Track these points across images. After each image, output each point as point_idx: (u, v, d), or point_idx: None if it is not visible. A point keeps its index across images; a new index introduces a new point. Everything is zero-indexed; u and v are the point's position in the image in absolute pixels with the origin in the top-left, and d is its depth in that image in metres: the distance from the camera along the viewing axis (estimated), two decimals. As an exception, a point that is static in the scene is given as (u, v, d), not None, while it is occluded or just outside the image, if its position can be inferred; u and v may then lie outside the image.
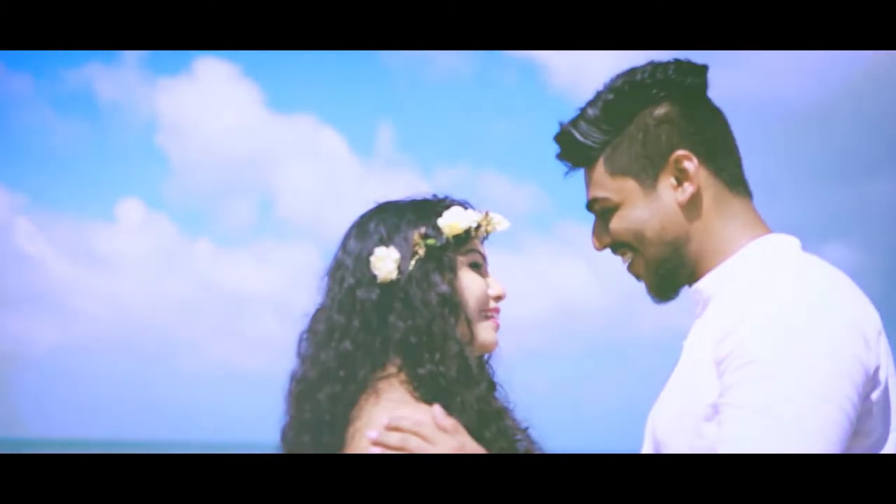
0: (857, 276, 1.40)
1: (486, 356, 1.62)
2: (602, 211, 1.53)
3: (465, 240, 1.59)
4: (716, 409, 1.33)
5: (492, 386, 1.62)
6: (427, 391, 1.50)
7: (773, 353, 1.27)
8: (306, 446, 1.53)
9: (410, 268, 1.54)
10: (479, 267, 1.61)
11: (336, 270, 1.60)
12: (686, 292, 1.53)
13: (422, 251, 1.55)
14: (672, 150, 1.47)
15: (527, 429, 1.60)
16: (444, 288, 1.54)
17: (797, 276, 1.36)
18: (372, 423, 1.48)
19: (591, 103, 1.51)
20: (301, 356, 1.60)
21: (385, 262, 1.53)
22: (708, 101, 1.52)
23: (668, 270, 1.50)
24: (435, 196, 1.64)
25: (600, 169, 1.51)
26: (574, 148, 1.53)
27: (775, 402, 1.25)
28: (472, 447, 1.44)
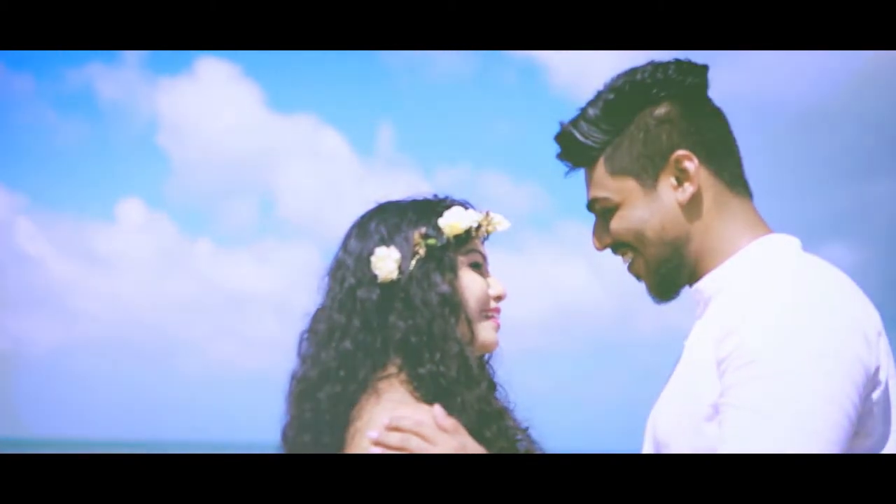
0: (857, 276, 1.40)
1: (486, 356, 1.62)
2: (602, 211, 1.53)
3: (465, 240, 1.59)
4: (716, 409, 1.33)
5: (492, 386, 1.62)
6: (427, 391, 1.50)
7: (773, 354, 1.27)
8: (307, 446, 1.53)
9: (411, 268, 1.54)
10: (479, 267, 1.61)
11: (337, 270, 1.60)
12: (686, 292, 1.53)
13: (422, 251, 1.56)
14: (672, 149, 1.47)
15: (527, 429, 1.60)
16: (444, 288, 1.54)
17: (798, 277, 1.36)
18: (372, 422, 1.48)
19: (591, 103, 1.51)
20: (302, 356, 1.60)
21: (386, 261, 1.53)
22: (708, 101, 1.52)
23: (668, 270, 1.50)
24: (435, 196, 1.64)
25: (601, 169, 1.51)
26: (575, 148, 1.53)
27: (776, 402, 1.25)
28: (472, 447, 1.44)
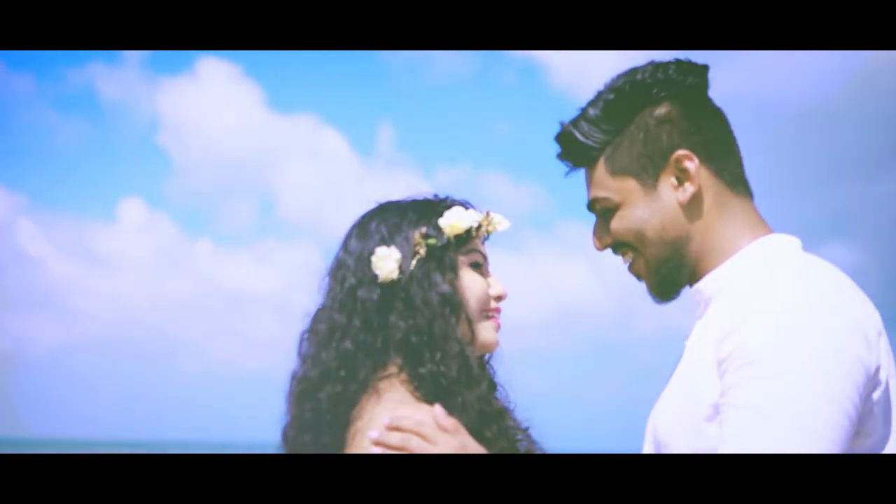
0: (857, 276, 1.40)
1: (486, 356, 1.62)
2: (603, 211, 1.53)
3: (466, 240, 1.59)
4: (717, 410, 1.33)
5: (492, 386, 1.62)
6: (428, 391, 1.50)
7: (774, 354, 1.27)
8: (307, 446, 1.54)
9: (411, 267, 1.54)
10: (480, 267, 1.61)
11: (337, 270, 1.60)
12: (687, 292, 1.53)
13: (423, 251, 1.56)
14: (673, 149, 1.47)
15: (527, 429, 1.60)
16: (445, 287, 1.54)
17: (798, 277, 1.36)
18: (373, 422, 1.48)
19: (591, 103, 1.51)
20: (302, 356, 1.60)
21: (386, 261, 1.54)
22: (709, 101, 1.52)
23: (668, 270, 1.50)
24: (436, 196, 1.64)
25: (601, 169, 1.51)
26: (575, 148, 1.53)
27: (776, 402, 1.25)
28: (472, 447, 1.44)
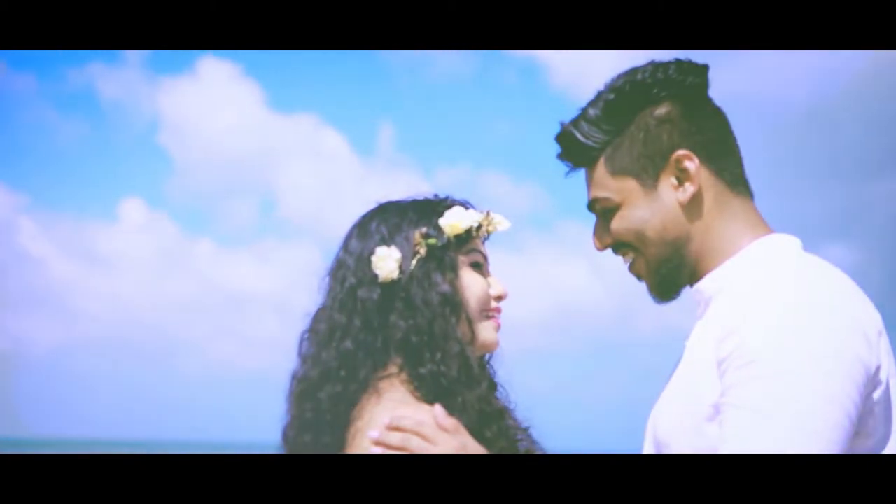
0: (857, 276, 1.40)
1: (487, 356, 1.62)
2: (603, 211, 1.53)
3: (466, 239, 1.59)
4: (717, 409, 1.33)
5: (493, 386, 1.62)
6: (428, 391, 1.50)
7: (774, 354, 1.27)
8: (307, 446, 1.54)
9: (412, 267, 1.54)
10: (480, 267, 1.61)
11: (337, 270, 1.60)
12: (687, 292, 1.53)
13: (423, 251, 1.56)
14: (673, 149, 1.47)
15: (528, 429, 1.60)
16: (445, 287, 1.54)
17: (799, 277, 1.36)
18: (373, 422, 1.48)
19: (592, 103, 1.51)
20: (302, 356, 1.60)
21: (386, 261, 1.54)
22: (709, 101, 1.52)
23: (669, 270, 1.50)
24: (436, 196, 1.64)
25: (601, 169, 1.51)
26: (575, 148, 1.53)
27: (776, 402, 1.25)
28: (473, 447, 1.44)
